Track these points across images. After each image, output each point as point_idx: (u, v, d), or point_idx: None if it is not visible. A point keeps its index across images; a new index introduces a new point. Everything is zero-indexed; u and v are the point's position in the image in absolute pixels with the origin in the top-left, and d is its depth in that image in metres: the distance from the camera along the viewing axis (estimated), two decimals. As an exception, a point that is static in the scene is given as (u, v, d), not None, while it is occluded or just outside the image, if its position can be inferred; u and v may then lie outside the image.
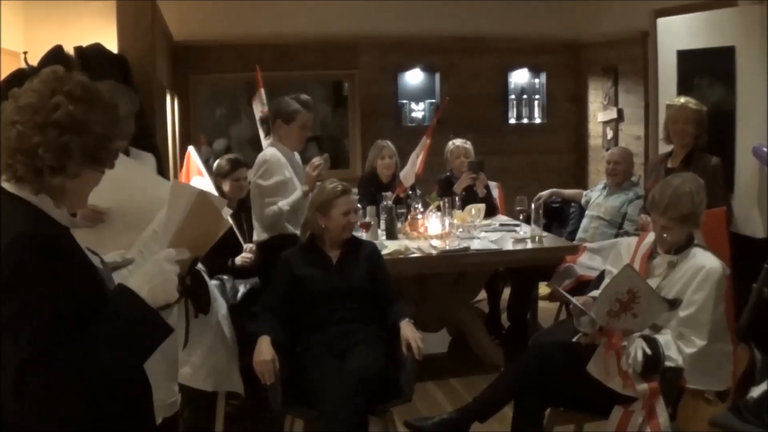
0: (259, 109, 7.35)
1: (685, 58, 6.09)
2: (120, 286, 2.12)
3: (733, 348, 4.30)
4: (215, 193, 5.43)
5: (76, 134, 2.06)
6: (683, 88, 5.99)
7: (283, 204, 5.29)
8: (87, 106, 2.09)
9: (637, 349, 3.83)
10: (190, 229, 2.37)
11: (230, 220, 4.62)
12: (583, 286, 5.59)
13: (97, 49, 5.23)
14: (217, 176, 5.92)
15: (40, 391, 1.94)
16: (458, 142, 7.34)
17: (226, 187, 5.85)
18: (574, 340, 4.19)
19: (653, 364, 3.81)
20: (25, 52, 5.24)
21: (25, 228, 2.00)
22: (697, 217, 3.99)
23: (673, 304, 3.92)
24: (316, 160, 5.39)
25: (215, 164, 6.09)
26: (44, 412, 2.00)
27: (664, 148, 5.85)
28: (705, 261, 3.96)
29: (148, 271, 2.15)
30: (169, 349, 3.86)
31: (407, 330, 4.37)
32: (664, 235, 4.02)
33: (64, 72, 2.14)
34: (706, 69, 5.86)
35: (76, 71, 2.18)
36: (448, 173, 7.32)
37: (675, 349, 3.85)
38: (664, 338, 3.89)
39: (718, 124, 5.68)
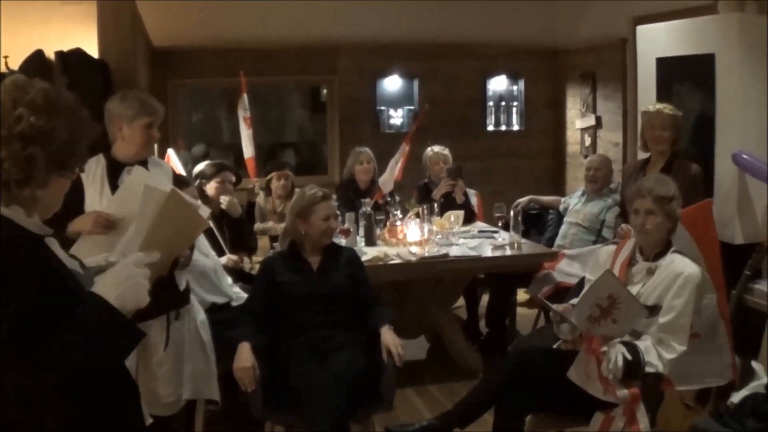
0: (241, 114, 7.34)
1: (664, 65, 6.11)
2: (89, 293, 2.10)
3: (729, 341, 4.34)
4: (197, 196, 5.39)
5: (40, 145, 2.03)
6: (663, 95, 5.99)
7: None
8: (49, 115, 2.06)
9: (618, 354, 3.83)
10: (162, 229, 2.37)
11: (210, 223, 4.62)
12: (561, 292, 5.60)
13: (77, 53, 5.22)
14: (201, 180, 5.90)
15: (14, 394, 1.94)
16: (437, 148, 7.34)
17: (210, 190, 5.84)
18: (554, 346, 4.20)
19: (634, 369, 3.82)
20: (5, 57, 5.22)
21: None
22: (675, 209, 4.04)
23: (653, 310, 3.94)
24: None
25: (197, 169, 6.08)
26: (22, 413, 1.99)
27: (642, 156, 5.85)
28: (683, 267, 3.98)
29: (116, 277, 2.14)
30: (177, 349, 4.06)
31: (388, 336, 4.37)
32: (648, 226, 4.03)
33: (24, 80, 2.11)
34: (685, 76, 5.87)
35: (37, 78, 2.15)
36: (426, 180, 7.33)
37: (655, 355, 3.87)
38: (644, 344, 3.90)
39: (698, 131, 5.70)
